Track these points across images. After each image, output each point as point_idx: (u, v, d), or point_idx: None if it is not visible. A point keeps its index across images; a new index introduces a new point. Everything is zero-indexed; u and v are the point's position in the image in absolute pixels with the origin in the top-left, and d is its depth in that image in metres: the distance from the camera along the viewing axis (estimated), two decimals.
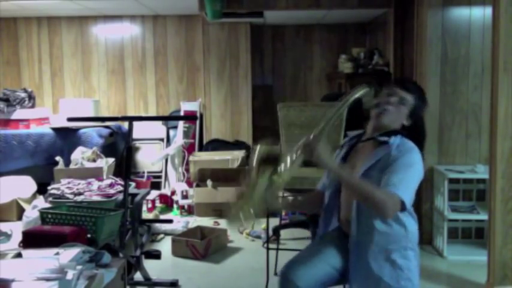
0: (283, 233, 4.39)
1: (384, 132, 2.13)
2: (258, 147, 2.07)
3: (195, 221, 5.00)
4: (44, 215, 2.72)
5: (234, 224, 2.04)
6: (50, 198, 4.11)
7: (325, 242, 2.23)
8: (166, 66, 6.59)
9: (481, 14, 4.08)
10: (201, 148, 6.28)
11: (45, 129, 5.56)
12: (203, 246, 4.02)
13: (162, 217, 5.07)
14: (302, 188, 3.24)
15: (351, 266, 2.11)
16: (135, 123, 3.45)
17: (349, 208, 2.14)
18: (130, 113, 6.56)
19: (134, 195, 3.65)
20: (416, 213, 2.18)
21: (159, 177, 6.20)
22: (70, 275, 1.80)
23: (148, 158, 6.09)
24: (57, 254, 2.05)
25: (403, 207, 1.97)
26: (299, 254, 2.21)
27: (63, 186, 4.22)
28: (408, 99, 2.14)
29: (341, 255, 2.16)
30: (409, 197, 1.98)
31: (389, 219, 2.01)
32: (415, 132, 2.16)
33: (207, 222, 4.98)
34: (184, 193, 5.38)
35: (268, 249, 3.46)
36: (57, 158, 5.10)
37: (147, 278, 3.38)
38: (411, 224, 2.10)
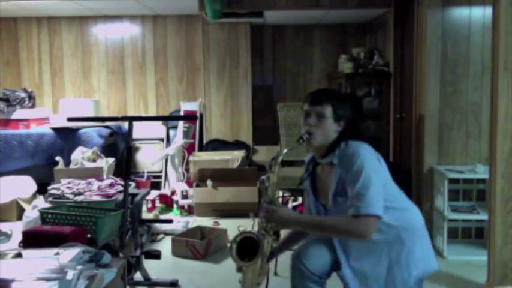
0: (284, 233, 4.38)
1: (325, 152, 2.16)
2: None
3: (195, 221, 5.00)
4: (44, 215, 2.72)
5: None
6: (50, 198, 4.11)
7: None
8: (166, 66, 6.59)
9: (481, 14, 4.08)
10: (201, 148, 6.28)
11: (45, 129, 5.56)
12: (203, 246, 4.02)
13: (162, 217, 5.07)
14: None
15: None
16: (135, 123, 3.45)
17: None
18: (130, 113, 6.56)
19: (134, 195, 3.65)
20: None
21: (159, 177, 6.20)
22: (70, 275, 1.80)
23: (148, 158, 6.10)
24: (57, 254, 2.05)
25: (379, 217, 1.99)
26: (311, 238, 2.25)
27: (63, 186, 4.22)
28: (325, 111, 2.13)
29: None
30: (376, 205, 1.98)
31: (370, 237, 2.01)
32: (352, 131, 2.18)
33: (207, 222, 4.98)
34: (184, 193, 5.38)
35: None
36: (57, 158, 5.10)
37: (147, 278, 3.38)
38: (396, 217, 2.10)
